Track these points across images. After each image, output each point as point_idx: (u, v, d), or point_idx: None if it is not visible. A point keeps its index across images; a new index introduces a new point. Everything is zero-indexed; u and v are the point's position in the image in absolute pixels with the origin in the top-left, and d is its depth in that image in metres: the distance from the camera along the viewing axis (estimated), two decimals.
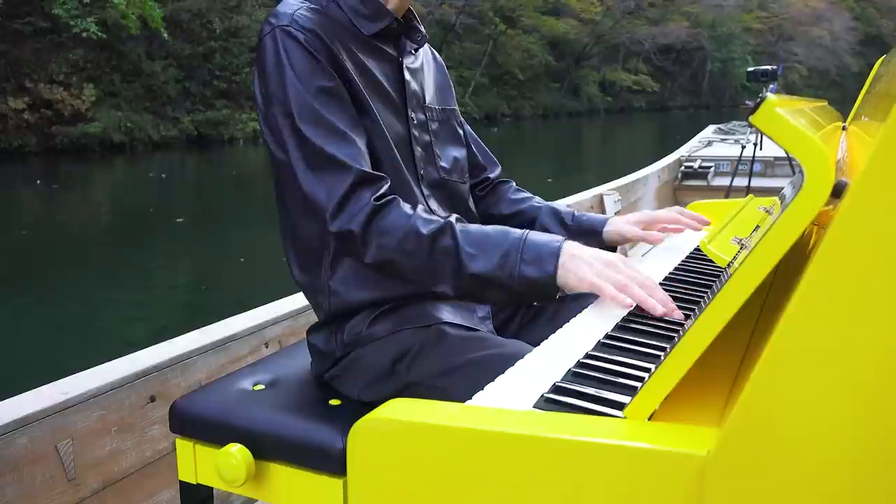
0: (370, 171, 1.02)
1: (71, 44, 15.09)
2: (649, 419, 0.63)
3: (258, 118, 1.11)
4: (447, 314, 1.11)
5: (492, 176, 1.40)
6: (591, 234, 1.31)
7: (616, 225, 1.30)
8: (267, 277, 5.74)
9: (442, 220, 1.00)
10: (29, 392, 1.38)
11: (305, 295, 1.18)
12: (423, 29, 1.20)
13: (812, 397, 0.53)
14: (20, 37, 14.67)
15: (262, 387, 1.19)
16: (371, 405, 0.94)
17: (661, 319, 0.91)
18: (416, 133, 1.17)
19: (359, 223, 0.99)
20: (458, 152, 1.27)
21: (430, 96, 1.23)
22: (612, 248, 1.29)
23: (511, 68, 27.81)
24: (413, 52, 1.20)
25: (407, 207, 1.02)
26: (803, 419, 0.53)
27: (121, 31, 15.22)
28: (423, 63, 1.24)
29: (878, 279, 0.51)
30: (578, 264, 0.95)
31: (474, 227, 1.01)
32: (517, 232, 0.99)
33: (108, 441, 1.44)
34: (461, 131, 1.31)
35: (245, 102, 17.88)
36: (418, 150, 1.17)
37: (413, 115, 1.17)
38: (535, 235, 0.99)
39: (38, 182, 11.61)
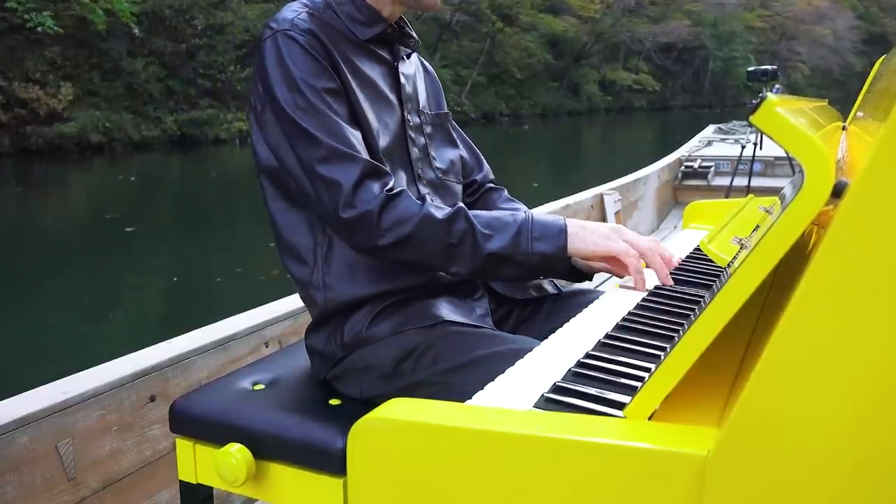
0: (376, 163, 1.06)
1: (48, 41, 14.58)
2: (649, 419, 0.63)
3: (250, 119, 1.13)
4: (448, 313, 1.11)
5: (478, 178, 1.41)
6: None
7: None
8: (194, 304, 5.34)
9: (452, 207, 1.07)
10: (29, 392, 1.38)
11: (300, 291, 1.18)
12: (415, 35, 1.24)
13: (812, 397, 0.53)
14: None
15: (262, 386, 1.19)
16: (372, 403, 0.94)
17: (660, 319, 0.92)
18: (413, 135, 1.20)
19: (375, 208, 1.03)
20: (454, 154, 1.30)
21: (423, 101, 1.27)
22: (585, 273, 1.21)
23: (509, 67, 27.69)
24: (406, 57, 1.24)
25: (415, 198, 1.07)
26: (803, 419, 0.53)
27: (90, 27, 14.73)
28: (416, 70, 1.29)
29: (878, 279, 0.51)
30: (589, 234, 1.07)
31: (480, 211, 1.10)
32: (520, 213, 1.09)
33: (108, 441, 1.44)
34: (454, 134, 1.34)
35: (231, 102, 17.26)
36: (415, 150, 1.20)
37: (409, 117, 1.20)
38: (538, 216, 1.09)
39: None
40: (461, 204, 1.08)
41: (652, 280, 1.12)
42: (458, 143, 1.37)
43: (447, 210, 1.06)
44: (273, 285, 5.12)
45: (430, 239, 1.04)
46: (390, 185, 1.06)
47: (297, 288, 1.19)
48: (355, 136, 1.06)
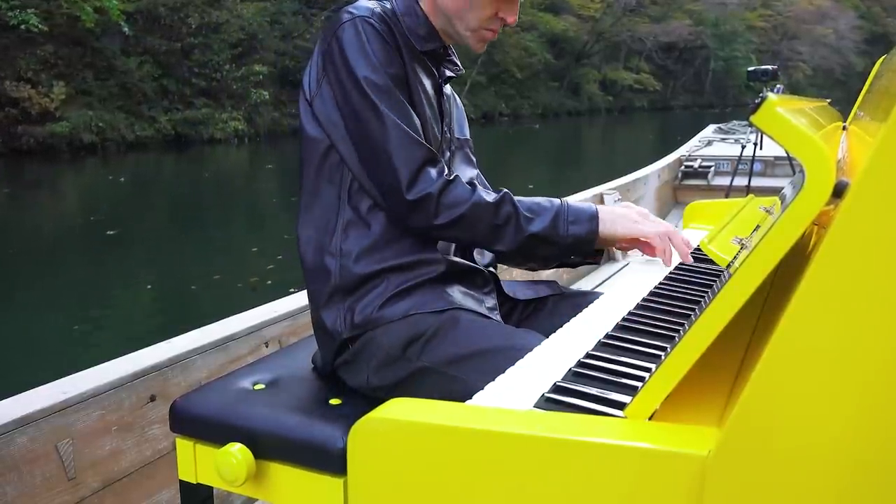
0: (434, 150, 1.16)
1: (41, 40, 14.37)
2: (650, 419, 0.63)
3: (300, 97, 1.20)
4: (460, 299, 1.15)
5: None
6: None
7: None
8: (163, 315, 5.15)
9: (499, 192, 1.18)
10: (29, 392, 1.38)
11: (311, 264, 1.18)
12: (459, 63, 1.33)
13: (812, 397, 0.53)
14: None
15: (263, 386, 1.19)
16: (373, 400, 0.94)
17: (660, 319, 0.92)
18: (444, 145, 1.28)
19: (435, 191, 1.13)
20: (472, 172, 1.37)
21: (453, 121, 1.35)
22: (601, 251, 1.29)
23: (509, 67, 27.55)
24: (446, 82, 1.32)
25: (466, 184, 1.17)
26: (803, 419, 0.53)
27: (83, 25, 14.52)
28: (451, 95, 1.38)
29: (878, 279, 0.51)
30: (618, 218, 1.19)
31: (522, 197, 1.21)
32: (556, 200, 1.21)
33: (108, 441, 1.44)
34: (473, 158, 1.42)
35: (226, 101, 17.03)
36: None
37: (445, 127, 1.29)
38: (572, 203, 1.20)
39: None
40: (506, 190, 1.19)
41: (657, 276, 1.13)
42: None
43: (495, 195, 1.17)
44: (250, 295, 4.97)
45: (480, 220, 1.15)
46: (446, 170, 1.16)
47: (308, 262, 1.19)
48: (418, 123, 1.16)
